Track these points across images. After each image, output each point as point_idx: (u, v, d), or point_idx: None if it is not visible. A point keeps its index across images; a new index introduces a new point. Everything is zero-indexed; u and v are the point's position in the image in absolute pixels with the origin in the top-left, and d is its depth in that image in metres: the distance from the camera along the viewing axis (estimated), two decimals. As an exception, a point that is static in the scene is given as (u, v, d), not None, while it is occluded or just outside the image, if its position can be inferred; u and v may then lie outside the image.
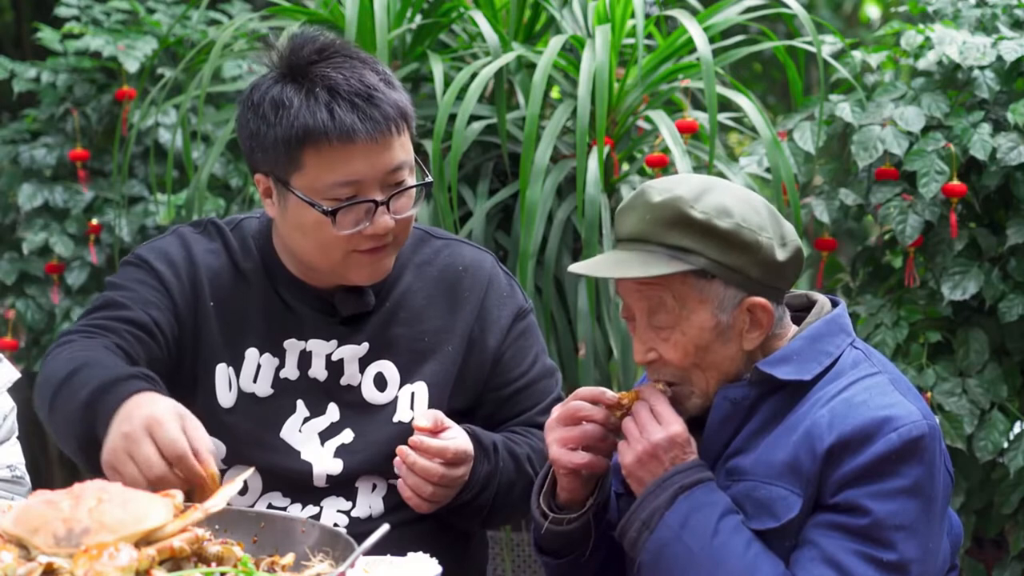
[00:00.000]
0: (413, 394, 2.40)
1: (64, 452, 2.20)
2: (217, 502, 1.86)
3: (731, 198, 2.11)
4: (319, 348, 2.39)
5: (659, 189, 2.11)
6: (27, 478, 2.57)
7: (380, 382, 2.40)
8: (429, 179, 2.35)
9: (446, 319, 2.43)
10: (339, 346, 2.39)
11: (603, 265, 2.17)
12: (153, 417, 1.98)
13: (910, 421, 2.05)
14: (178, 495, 1.86)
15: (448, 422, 2.30)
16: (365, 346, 2.39)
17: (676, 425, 2.11)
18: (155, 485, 1.94)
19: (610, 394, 2.19)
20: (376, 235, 2.30)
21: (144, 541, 1.75)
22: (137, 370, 2.17)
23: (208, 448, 1.99)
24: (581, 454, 2.17)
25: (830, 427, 2.05)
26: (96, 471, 2.03)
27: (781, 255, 2.12)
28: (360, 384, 2.40)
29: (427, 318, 2.43)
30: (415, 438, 2.26)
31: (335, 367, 2.39)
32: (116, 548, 1.70)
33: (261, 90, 2.31)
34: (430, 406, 2.39)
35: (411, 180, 2.33)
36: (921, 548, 2.05)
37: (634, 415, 2.14)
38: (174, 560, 1.76)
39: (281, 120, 2.26)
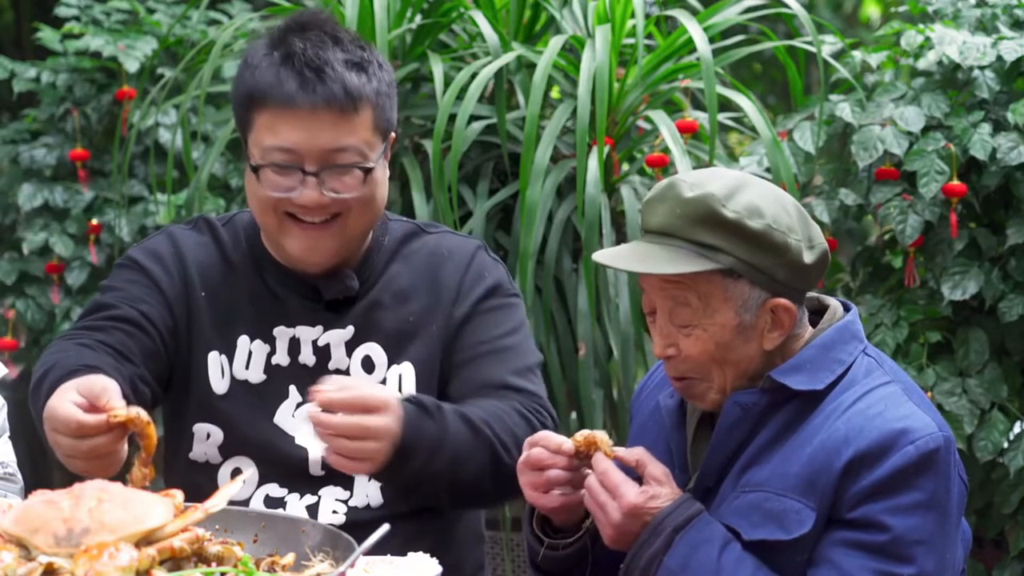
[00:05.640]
0: (400, 376, 2.39)
1: None
2: (217, 502, 1.86)
3: (762, 197, 2.09)
4: (306, 334, 2.40)
5: (690, 184, 2.09)
6: (19, 475, 2.58)
7: (368, 365, 2.40)
8: (370, 164, 2.32)
9: (430, 300, 2.42)
10: (324, 331, 2.40)
11: (629, 258, 2.15)
12: (48, 416, 2.02)
13: (926, 433, 2.04)
14: (178, 495, 1.87)
15: (349, 381, 2.21)
16: (350, 329, 2.40)
17: (628, 496, 2.07)
18: (96, 455, 1.99)
19: (567, 444, 2.13)
20: (304, 206, 2.30)
21: (144, 541, 1.75)
22: (81, 365, 2.18)
23: (101, 388, 2.00)
24: (553, 496, 2.14)
25: (847, 441, 2.04)
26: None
27: (808, 258, 2.10)
28: (348, 368, 2.40)
29: (411, 299, 2.42)
30: (320, 398, 2.13)
31: (322, 352, 2.40)
32: (116, 548, 1.70)
33: (248, 53, 2.39)
34: (417, 387, 2.37)
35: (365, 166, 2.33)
36: (938, 561, 2.04)
37: (592, 495, 2.10)
38: (174, 560, 1.76)
39: (243, 79, 2.34)
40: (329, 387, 2.13)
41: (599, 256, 2.17)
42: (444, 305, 2.42)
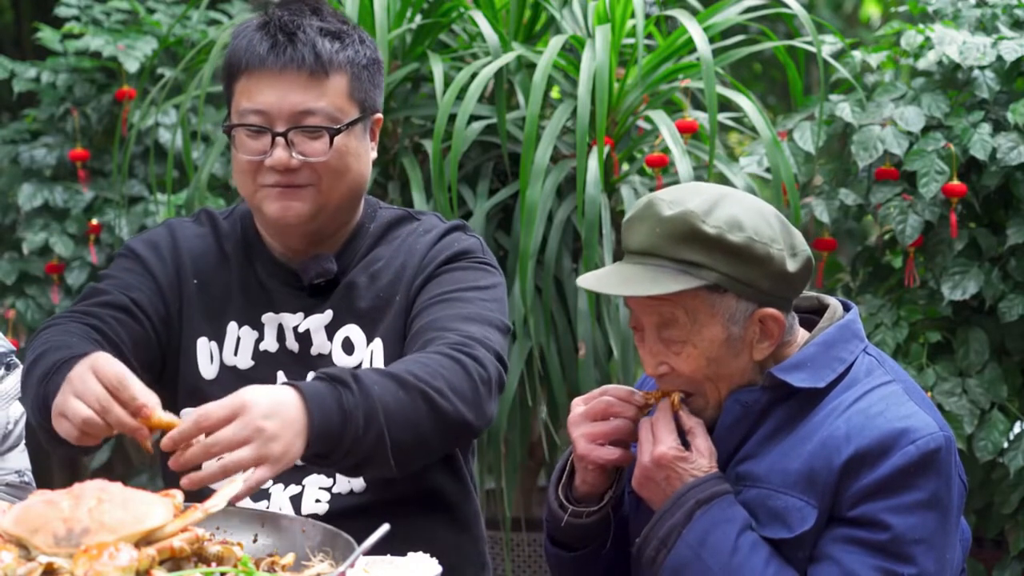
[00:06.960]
0: (372, 353, 2.39)
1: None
2: (217, 502, 1.86)
3: (742, 210, 2.09)
4: (288, 321, 2.42)
5: (669, 201, 2.09)
6: (34, 484, 2.59)
7: (348, 346, 2.40)
8: (338, 126, 2.33)
9: (398, 273, 2.42)
10: (305, 317, 2.41)
11: (612, 280, 2.15)
12: (71, 385, 2.01)
13: (927, 433, 2.05)
14: (178, 495, 1.87)
15: (202, 408, 2.02)
16: (329, 313, 2.40)
17: (662, 445, 2.10)
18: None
19: (638, 395, 2.19)
20: (274, 168, 2.32)
21: (144, 541, 1.75)
22: (90, 347, 2.19)
23: (130, 397, 1.98)
24: (611, 449, 2.17)
25: (847, 439, 2.05)
26: (54, 445, 2.12)
27: (792, 266, 2.10)
28: (331, 352, 2.40)
29: (382, 275, 2.42)
30: (165, 441, 1.99)
31: (303, 338, 2.41)
32: (116, 548, 1.70)
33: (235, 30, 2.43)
34: (386, 362, 2.36)
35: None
36: (939, 560, 2.05)
37: (639, 432, 2.15)
38: (174, 560, 1.76)
39: (227, 52, 2.39)
40: (180, 422, 1.98)
41: (583, 281, 2.18)
42: (408, 275, 2.42)
